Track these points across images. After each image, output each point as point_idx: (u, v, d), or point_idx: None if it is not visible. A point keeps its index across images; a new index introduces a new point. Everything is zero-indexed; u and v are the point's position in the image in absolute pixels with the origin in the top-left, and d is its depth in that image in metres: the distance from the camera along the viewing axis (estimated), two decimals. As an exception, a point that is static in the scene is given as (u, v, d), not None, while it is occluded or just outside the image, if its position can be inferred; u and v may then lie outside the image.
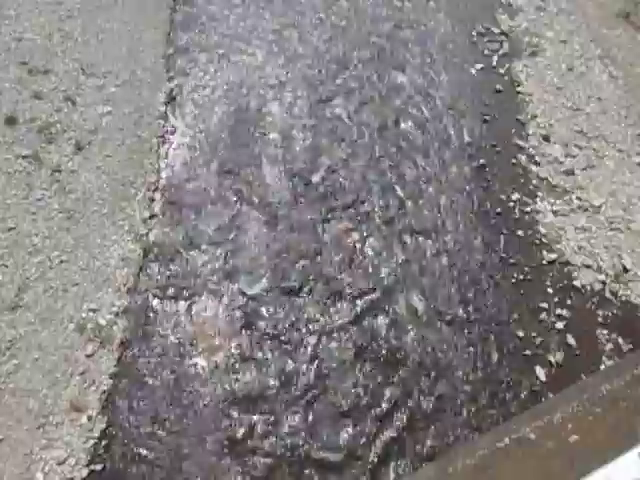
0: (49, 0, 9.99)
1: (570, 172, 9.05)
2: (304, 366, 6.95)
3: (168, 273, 7.61)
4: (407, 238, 8.22)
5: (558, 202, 8.77)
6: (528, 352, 7.32)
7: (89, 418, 6.29)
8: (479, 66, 10.74)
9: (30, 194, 7.66)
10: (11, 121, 8.19)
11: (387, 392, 6.84)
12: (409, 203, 8.61)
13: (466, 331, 7.46)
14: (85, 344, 6.77)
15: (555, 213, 8.64)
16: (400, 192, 8.72)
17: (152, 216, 8.12)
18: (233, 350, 7.00)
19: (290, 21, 11.05)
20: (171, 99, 9.57)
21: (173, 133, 9.15)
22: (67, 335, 6.79)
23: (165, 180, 8.57)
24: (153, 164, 8.68)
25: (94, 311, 7.05)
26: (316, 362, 7.00)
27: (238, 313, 7.31)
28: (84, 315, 6.98)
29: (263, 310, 7.36)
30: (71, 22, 9.84)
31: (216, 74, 10.00)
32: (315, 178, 8.76)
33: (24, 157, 7.94)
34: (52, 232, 7.47)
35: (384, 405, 6.73)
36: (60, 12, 9.92)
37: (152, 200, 8.29)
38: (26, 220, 7.42)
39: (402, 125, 9.61)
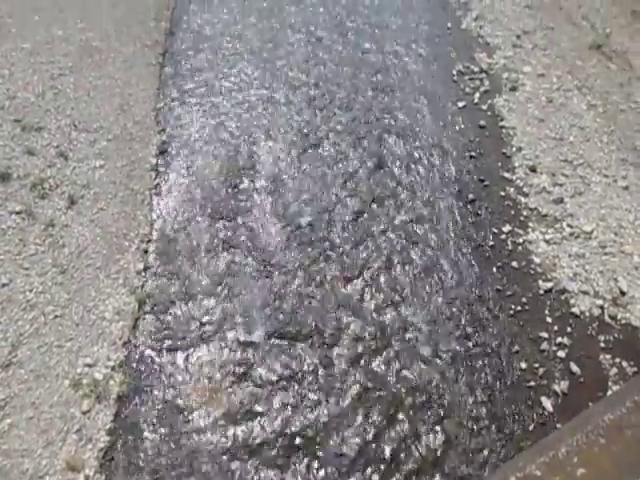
0: (42, 60, 10.24)
1: (559, 200, 9.16)
2: (305, 414, 6.80)
3: (164, 325, 7.52)
4: (402, 278, 8.20)
5: (550, 231, 8.83)
6: (532, 383, 7.22)
7: (86, 478, 6.07)
8: (461, 104, 11.00)
9: (23, 250, 7.64)
10: (4, 177, 8.26)
11: (392, 434, 6.66)
12: (402, 244, 8.63)
13: (468, 366, 7.36)
14: (81, 400, 6.61)
15: (548, 242, 8.69)
16: (391, 234, 8.75)
17: (146, 268, 8.10)
18: (232, 401, 6.85)
19: (277, 73, 11.35)
20: (162, 151, 9.71)
21: (165, 185, 9.23)
22: (62, 392, 6.64)
23: (158, 231, 8.59)
24: (146, 216, 8.72)
25: (90, 366, 6.92)
26: (318, 409, 6.85)
27: (236, 362, 7.19)
28: (79, 370, 6.85)
29: (261, 359, 7.24)
30: (63, 80, 10.06)
31: (206, 125, 10.20)
32: (307, 222, 8.81)
33: (17, 213, 7.97)
34: (46, 287, 7.43)
35: (389, 449, 6.55)
36: (53, 70, 10.15)
37: (146, 252, 8.28)
38: (20, 276, 7.38)
39: (389, 166, 9.74)
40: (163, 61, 11.47)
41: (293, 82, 11.17)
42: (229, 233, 8.60)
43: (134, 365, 7.13)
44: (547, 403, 7.03)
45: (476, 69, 11.76)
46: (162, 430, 6.59)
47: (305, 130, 10.23)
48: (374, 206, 9.10)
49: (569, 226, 8.81)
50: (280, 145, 9.93)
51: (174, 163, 9.57)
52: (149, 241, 8.45)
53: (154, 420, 6.67)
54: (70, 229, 8.13)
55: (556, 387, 7.16)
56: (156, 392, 6.91)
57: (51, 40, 10.69)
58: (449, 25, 12.95)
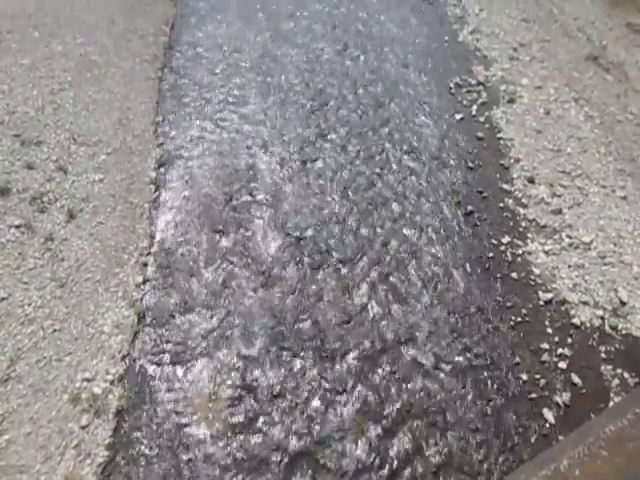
0: (42, 74, 10.31)
1: (558, 211, 9.18)
2: (307, 429, 6.74)
3: (163, 338, 7.50)
4: (403, 291, 8.19)
5: (549, 242, 8.83)
6: (534, 395, 7.18)
7: (85, 493, 6.05)
8: (459, 116, 11.06)
9: (22, 264, 7.62)
10: (4, 192, 8.26)
11: (393, 448, 6.61)
12: (402, 256, 8.62)
13: (469, 378, 7.32)
14: (80, 415, 6.56)
15: (547, 253, 8.69)
16: (393, 246, 8.74)
17: (145, 281, 8.09)
18: (233, 415, 6.80)
19: (275, 86, 11.42)
20: (161, 164, 9.75)
21: (164, 198, 9.25)
22: (61, 406, 6.59)
23: (157, 245, 8.59)
24: (145, 229, 8.73)
25: (88, 380, 6.88)
26: (319, 424, 6.80)
27: (236, 376, 7.15)
28: (78, 385, 6.80)
29: (261, 372, 7.21)
30: (63, 94, 10.12)
31: (204, 138, 10.24)
32: (306, 235, 8.80)
33: (16, 227, 7.96)
34: (45, 301, 7.40)
35: (392, 464, 6.49)
36: (52, 85, 10.20)
37: (145, 265, 8.28)
38: (18, 290, 7.36)
39: (389, 178, 9.77)
40: (162, 75, 11.57)
41: (291, 95, 11.24)
42: (228, 246, 8.59)
43: (133, 379, 7.08)
44: (549, 415, 6.98)
45: (473, 82, 11.84)
46: (161, 444, 6.54)
47: (303, 143, 10.27)
48: (373, 218, 9.11)
49: (568, 237, 8.82)
50: (278, 158, 9.96)
51: (173, 176, 9.59)
52: (148, 254, 8.44)
53: (153, 434, 6.62)
54: (69, 243, 8.12)
55: (558, 398, 7.12)
56: (155, 406, 6.86)
57: (50, 55, 10.76)
58: (446, 38, 13.07)
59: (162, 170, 9.68)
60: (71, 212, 8.43)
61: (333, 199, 9.34)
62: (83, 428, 6.48)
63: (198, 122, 10.55)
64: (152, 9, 13.07)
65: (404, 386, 7.17)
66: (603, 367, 7.44)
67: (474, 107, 11.25)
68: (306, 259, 8.48)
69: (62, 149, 9.24)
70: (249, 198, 9.27)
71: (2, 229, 7.90)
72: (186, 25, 13.00)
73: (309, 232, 8.83)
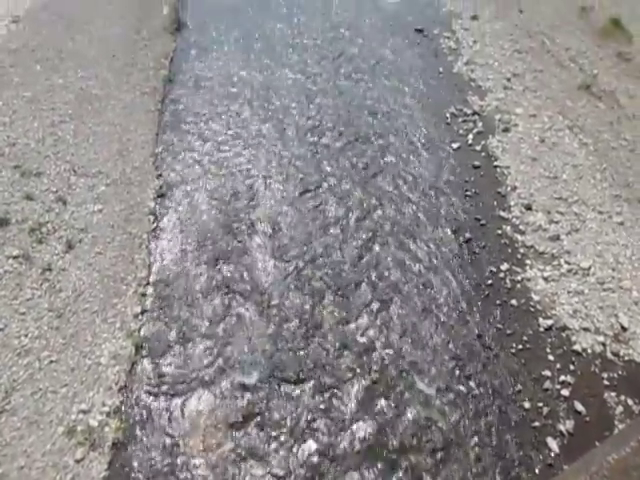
0: (43, 107, 10.47)
1: (555, 238, 9.20)
2: (308, 459, 6.61)
3: (161, 369, 7.41)
4: (402, 319, 8.14)
5: (547, 268, 8.83)
6: (537, 423, 7.06)
7: (79, 530, 5.91)
8: (456, 145, 11.18)
9: (19, 294, 7.60)
10: (3, 222, 8.30)
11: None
12: (401, 285, 8.59)
13: (471, 407, 7.22)
14: (75, 448, 6.44)
15: (546, 279, 8.67)
16: (390, 275, 8.72)
17: (143, 311, 8.04)
18: (232, 446, 6.67)
19: (274, 116, 11.58)
20: (160, 195, 9.80)
21: (163, 228, 9.28)
22: (56, 440, 6.47)
23: (156, 275, 8.57)
24: (144, 259, 8.72)
25: (84, 412, 6.77)
26: (320, 455, 6.66)
27: (235, 406, 7.04)
28: (74, 417, 6.70)
29: (260, 403, 7.10)
30: (63, 126, 10.25)
31: (203, 169, 10.32)
32: (305, 264, 8.79)
33: (14, 257, 7.96)
34: (42, 332, 7.35)
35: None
36: (53, 117, 10.36)
37: (143, 295, 8.24)
38: (15, 320, 7.32)
39: (387, 207, 9.80)
40: (162, 107, 11.74)
41: (289, 126, 11.37)
42: (227, 275, 8.58)
43: (130, 411, 6.98)
44: (553, 444, 6.86)
45: (469, 111, 12.01)
46: (159, 478, 6.39)
47: (302, 173, 10.35)
48: (372, 247, 9.11)
49: (567, 263, 8.82)
50: (277, 187, 10.03)
51: (172, 207, 9.64)
52: (147, 284, 8.41)
53: (150, 468, 6.48)
54: (67, 273, 8.10)
55: (561, 427, 7.01)
56: (152, 439, 6.74)
57: (52, 88, 10.95)
58: (441, 69, 13.30)
59: (161, 200, 9.73)
60: (70, 243, 8.44)
61: (332, 228, 9.36)
62: (78, 462, 6.35)
63: (197, 152, 10.66)
64: (152, 43, 13.35)
65: (404, 416, 7.06)
66: (606, 394, 7.34)
67: (470, 136, 11.38)
68: (305, 288, 8.44)
69: (62, 180, 9.31)
70: (248, 227, 9.29)
71: (0, 260, 7.91)
72: (185, 58, 13.26)
73: (308, 261, 8.83)
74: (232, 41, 13.87)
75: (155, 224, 9.32)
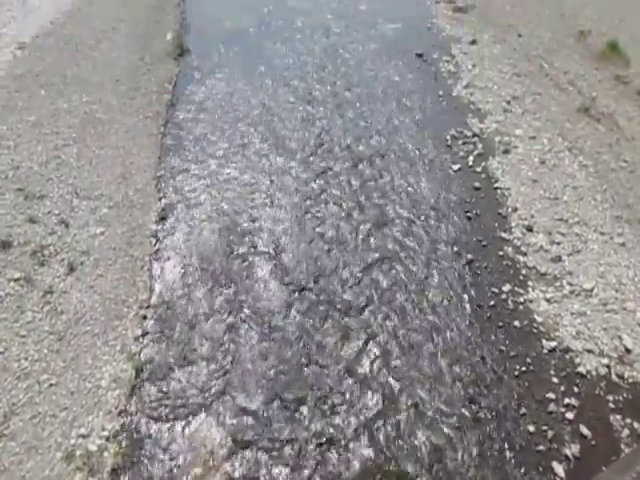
0: (47, 131, 10.58)
1: (557, 259, 9.18)
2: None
3: (162, 392, 7.34)
4: (405, 342, 8.09)
5: (550, 289, 8.79)
6: (542, 447, 6.95)
7: None
8: (456, 167, 11.24)
9: (20, 317, 7.58)
10: (5, 245, 8.32)
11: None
12: (404, 306, 8.56)
13: (475, 431, 7.12)
14: (73, 473, 6.35)
15: (549, 300, 8.63)
16: (392, 298, 8.68)
17: (144, 334, 8.00)
18: (233, 471, 6.57)
19: (275, 144, 11.68)
20: (162, 218, 9.84)
21: (165, 250, 9.28)
22: (54, 465, 6.39)
23: (157, 297, 8.55)
24: (145, 282, 8.71)
25: (84, 436, 6.69)
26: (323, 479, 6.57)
27: (236, 431, 6.96)
28: (73, 442, 6.62)
29: (262, 427, 7.02)
30: (67, 150, 10.35)
31: (205, 191, 10.38)
32: (307, 286, 8.77)
33: (16, 280, 7.96)
34: (42, 355, 7.31)
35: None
36: (57, 141, 10.47)
37: (144, 318, 8.21)
38: (15, 343, 7.28)
39: (387, 229, 9.82)
40: (164, 131, 11.86)
41: (290, 148, 11.46)
42: (229, 298, 8.55)
43: (130, 435, 6.89)
44: (559, 468, 6.74)
45: (469, 133, 12.10)
46: (158, 505, 6.32)
47: (304, 194, 10.40)
48: (374, 269, 9.10)
49: (569, 284, 8.79)
50: (279, 210, 10.06)
51: (174, 229, 9.67)
52: (148, 307, 8.39)
53: (149, 495, 6.39)
54: (69, 295, 8.09)
55: (567, 451, 6.90)
56: (152, 464, 6.64)
57: (56, 113, 11.09)
58: (441, 93, 13.44)
59: (163, 223, 9.76)
60: (71, 265, 8.44)
61: (333, 251, 9.36)
62: (76, 488, 6.27)
63: (199, 175, 10.73)
64: (155, 68, 13.56)
65: (407, 440, 6.96)
66: (612, 417, 7.24)
67: (470, 158, 11.45)
68: (307, 310, 8.42)
69: (64, 203, 9.36)
70: (250, 250, 9.31)
71: (1, 282, 7.91)
72: (188, 82, 13.44)
73: (311, 283, 8.81)
74: (234, 66, 14.08)
75: (157, 246, 9.34)
